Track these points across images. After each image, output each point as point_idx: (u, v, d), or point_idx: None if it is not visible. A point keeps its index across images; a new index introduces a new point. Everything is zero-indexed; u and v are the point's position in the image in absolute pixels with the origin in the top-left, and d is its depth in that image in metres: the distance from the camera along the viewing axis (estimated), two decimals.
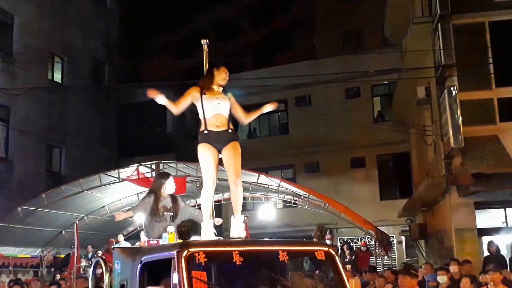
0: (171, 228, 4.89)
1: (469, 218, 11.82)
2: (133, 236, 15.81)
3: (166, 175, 5.89)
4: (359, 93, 21.34)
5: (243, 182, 14.87)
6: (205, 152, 5.00)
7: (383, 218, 18.50)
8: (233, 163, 5.06)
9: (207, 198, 5.00)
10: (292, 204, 15.61)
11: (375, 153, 21.02)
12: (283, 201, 15.83)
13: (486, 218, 12.21)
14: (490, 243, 11.46)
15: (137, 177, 13.31)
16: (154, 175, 13.35)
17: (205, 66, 5.44)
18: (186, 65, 24.84)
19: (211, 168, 5.01)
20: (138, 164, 13.51)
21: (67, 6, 20.97)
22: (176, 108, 5.19)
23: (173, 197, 5.70)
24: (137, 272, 4.43)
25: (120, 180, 13.60)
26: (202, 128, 5.07)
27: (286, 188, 14.56)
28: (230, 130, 5.11)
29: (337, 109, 21.10)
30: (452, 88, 11.30)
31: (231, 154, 5.06)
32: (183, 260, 3.92)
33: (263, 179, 14.14)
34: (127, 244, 13.63)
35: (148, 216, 5.51)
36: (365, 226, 13.89)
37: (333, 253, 4.44)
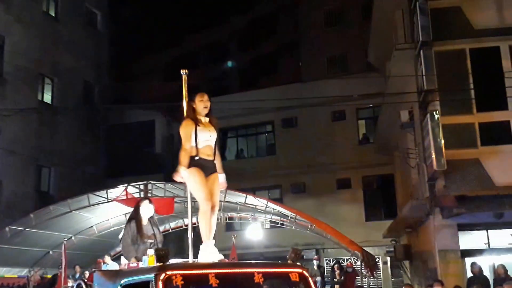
0: (151, 251, 5.01)
1: (452, 240, 12.01)
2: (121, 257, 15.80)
3: (142, 199, 6.06)
4: (344, 116, 21.74)
5: (231, 202, 14.90)
6: (197, 175, 5.14)
7: (369, 239, 18.71)
8: (215, 192, 5.27)
9: (205, 219, 5.10)
10: (279, 225, 15.75)
11: (361, 174, 21.32)
12: (270, 221, 15.95)
13: (469, 239, 12.44)
14: (473, 264, 11.67)
15: (125, 197, 13.36)
16: (142, 195, 13.43)
17: (185, 95, 5.59)
18: (175, 87, 25.02)
19: (205, 190, 5.15)
20: (126, 185, 13.56)
21: (57, 28, 21.19)
22: (189, 144, 5.26)
23: (153, 223, 5.83)
24: None
25: (109, 200, 13.63)
26: (193, 154, 5.20)
27: (273, 209, 14.70)
28: (215, 161, 5.36)
29: (323, 131, 21.46)
30: (434, 113, 11.58)
31: (215, 183, 5.30)
32: (160, 283, 4.06)
33: (251, 199, 14.28)
34: (115, 265, 13.65)
35: (129, 241, 5.64)
36: (351, 247, 14.03)
37: (307, 274, 4.58)
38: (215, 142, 5.41)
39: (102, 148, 23.03)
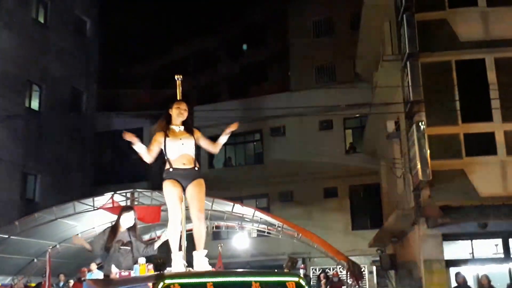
0: (142, 260, 4.94)
1: (437, 250, 12.08)
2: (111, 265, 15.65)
3: (126, 209, 5.90)
4: (332, 125, 21.86)
5: (218, 211, 14.86)
6: (170, 187, 5.06)
7: (355, 248, 18.79)
8: (197, 199, 5.12)
9: (174, 231, 5.06)
10: (266, 234, 15.75)
11: (347, 183, 21.41)
12: (257, 230, 15.96)
13: (453, 249, 12.53)
14: (457, 274, 11.78)
15: (111, 205, 13.28)
16: (129, 203, 13.37)
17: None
18: (164, 95, 24.97)
19: (177, 203, 5.06)
20: (112, 192, 13.49)
21: (46, 35, 21.11)
22: (149, 156, 5.17)
23: (131, 232, 5.71)
24: None
25: (94, 208, 13.54)
26: (168, 166, 5.12)
27: (260, 218, 14.71)
28: (196, 168, 5.17)
29: (310, 140, 21.55)
30: (420, 123, 11.69)
31: (196, 190, 5.13)
32: None
33: (238, 208, 14.28)
34: (100, 273, 13.53)
35: (101, 251, 5.54)
36: (337, 256, 14.07)
37: (303, 283, 4.59)
38: (194, 149, 5.19)
39: (89, 155, 22.89)
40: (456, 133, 12.29)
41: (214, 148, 5.39)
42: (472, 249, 12.51)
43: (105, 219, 14.30)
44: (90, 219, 14.35)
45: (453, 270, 12.16)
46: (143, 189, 14.18)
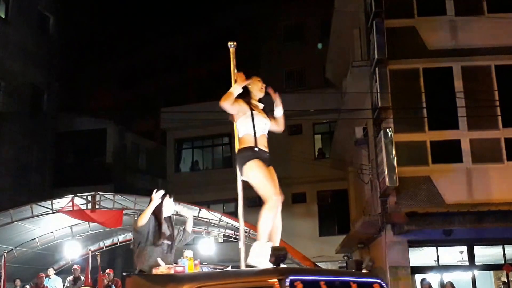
0: (190, 253, 4.50)
1: (402, 256, 12.10)
2: (64, 271, 15.13)
3: (163, 195, 5.08)
4: (301, 130, 21.80)
5: (183, 216, 14.46)
6: (262, 167, 4.56)
7: (322, 254, 18.71)
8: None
9: (270, 216, 4.54)
10: (232, 239, 15.51)
11: (316, 189, 21.39)
12: (224, 235, 15.70)
13: (419, 256, 12.60)
14: (422, 281, 11.82)
15: (71, 209, 12.79)
16: (90, 206, 12.92)
17: (232, 70, 5.08)
18: (129, 96, 24.53)
19: (274, 184, 4.56)
20: (73, 195, 12.97)
21: (7, 30, 20.38)
22: (233, 108, 4.61)
23: (171, 222, 5.11)
24: None
25: (53, 211, 13.00)
26: (251, 144, 4.62)
27: (227, 223, 14.48)
28: (268, 154, 4.79)
29: (280, 144, 21.37)
30: (388, 130, 11.69)
31: (275, 177, 4.72)
32: None
33: (204, 213, 14.01)
34: (58, 279, 13.06)
35: (145, 243, 4.82)
36: (304, 262, 13.94)
37: (385, 285, 4.40)
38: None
39: (50, 156, 22.16)
40: (423, 140, 12.36)
41: (281, 127, 4.99)
42: (438, 256, 12.58)
43: (64, 223, 13.83)
44: (49, 223, 13.80)
45: (418, 277, 12.21)
46: (105, 192, 13.73)
